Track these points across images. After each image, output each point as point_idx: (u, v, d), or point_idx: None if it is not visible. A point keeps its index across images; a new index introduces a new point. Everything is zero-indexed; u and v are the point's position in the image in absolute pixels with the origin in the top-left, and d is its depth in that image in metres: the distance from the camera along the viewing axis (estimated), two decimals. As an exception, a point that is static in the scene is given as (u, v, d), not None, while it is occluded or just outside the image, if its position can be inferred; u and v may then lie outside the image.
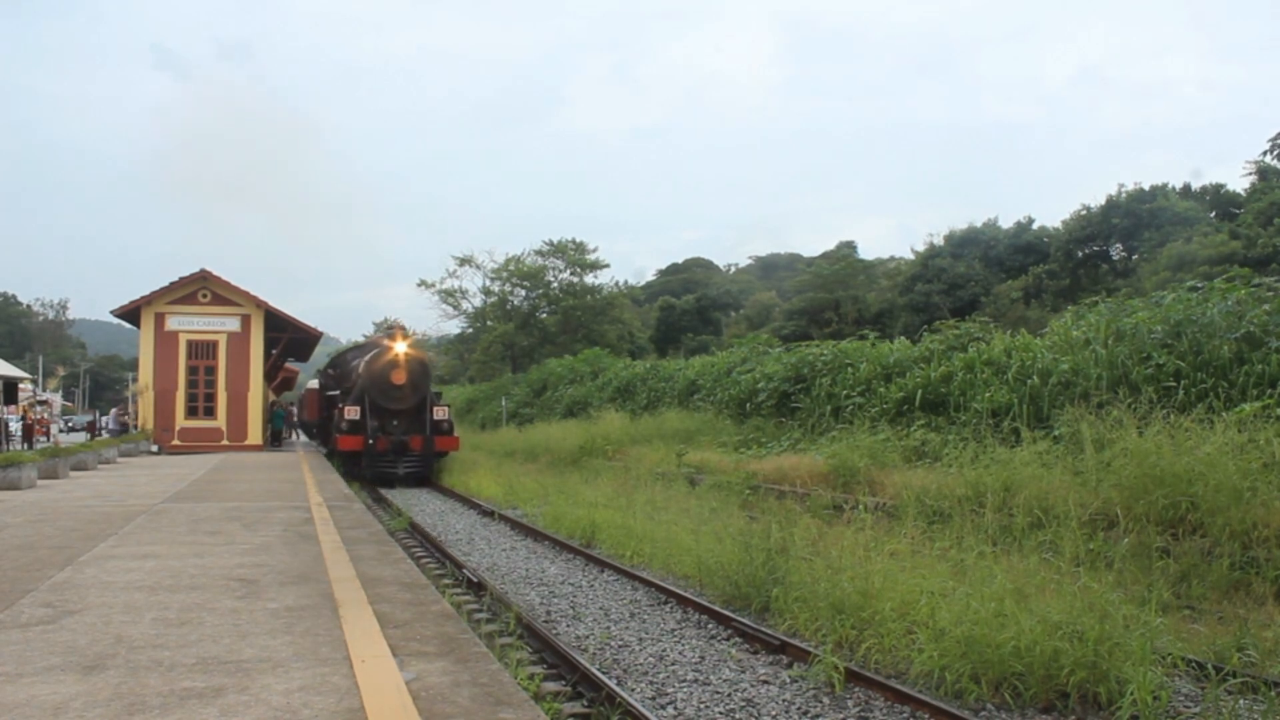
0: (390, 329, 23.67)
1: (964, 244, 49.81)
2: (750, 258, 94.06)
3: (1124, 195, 45.37)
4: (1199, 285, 14.83)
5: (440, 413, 23.06)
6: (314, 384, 55.67)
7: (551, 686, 6.01)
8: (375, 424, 22.21)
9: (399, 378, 22.25)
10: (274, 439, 34.50)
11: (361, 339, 42.96)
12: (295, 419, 45.41)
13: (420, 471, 22.51)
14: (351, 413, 22.30)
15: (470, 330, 56.30)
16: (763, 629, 7.18)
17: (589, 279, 54.00)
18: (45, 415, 44.10)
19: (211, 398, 28.53)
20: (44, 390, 61.69)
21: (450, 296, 54.56)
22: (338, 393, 26.77)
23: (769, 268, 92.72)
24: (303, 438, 44.90)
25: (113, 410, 33.25)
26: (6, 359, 44.93)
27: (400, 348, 22.43)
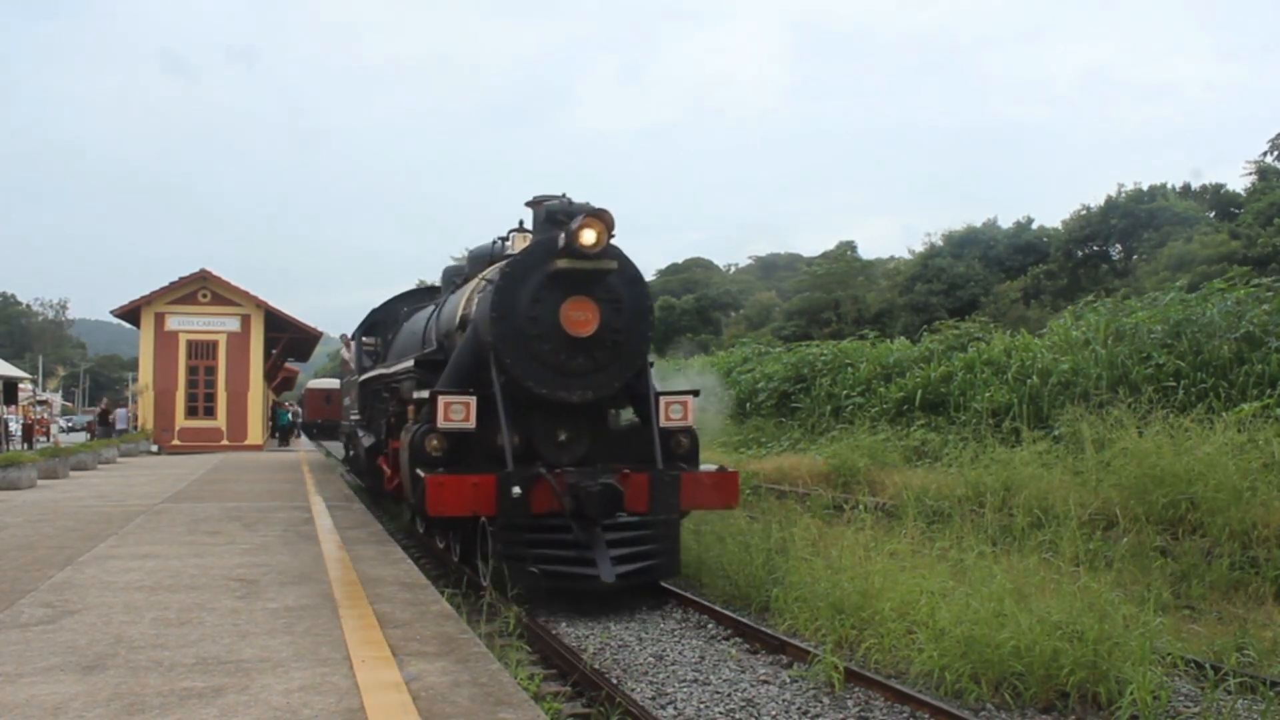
0: (549, 205, 9.10)
1: (963, 244, 49.81)
2: (750, 258, 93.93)
3: (1123, 195, 45.41)
4: (1195, 288, 14.87)
5: (676, 411, 9.18)
6: (315, 384, 55.65)
7: (551, 687, 6.01)
8: (517, 439, 8.64)
9: (582, 318, 8.56)
10: (283, 438, 34.55)
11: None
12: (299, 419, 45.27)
13: (659, 562, 8.40)
14: (451, 411, 8.52)
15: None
16: (763, 629, 7.18)
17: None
18: (45, 415, 44.11)
19: (211, 398, 28.53)
20: (44, 390, 61.69)
21: (450, 296, 54.36)
22: (392, 371, 12.05)
23: (769, 268, 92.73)
24: (306, 441, 44.91)
25: (119, 410, 33.22)
26: (6, 359, 44.93)
27: (588, 238, 8.25)
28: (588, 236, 8.20)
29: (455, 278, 11.54)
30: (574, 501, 7.94)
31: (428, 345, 11.01)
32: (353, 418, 16.93)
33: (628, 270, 8.87)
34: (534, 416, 8.78)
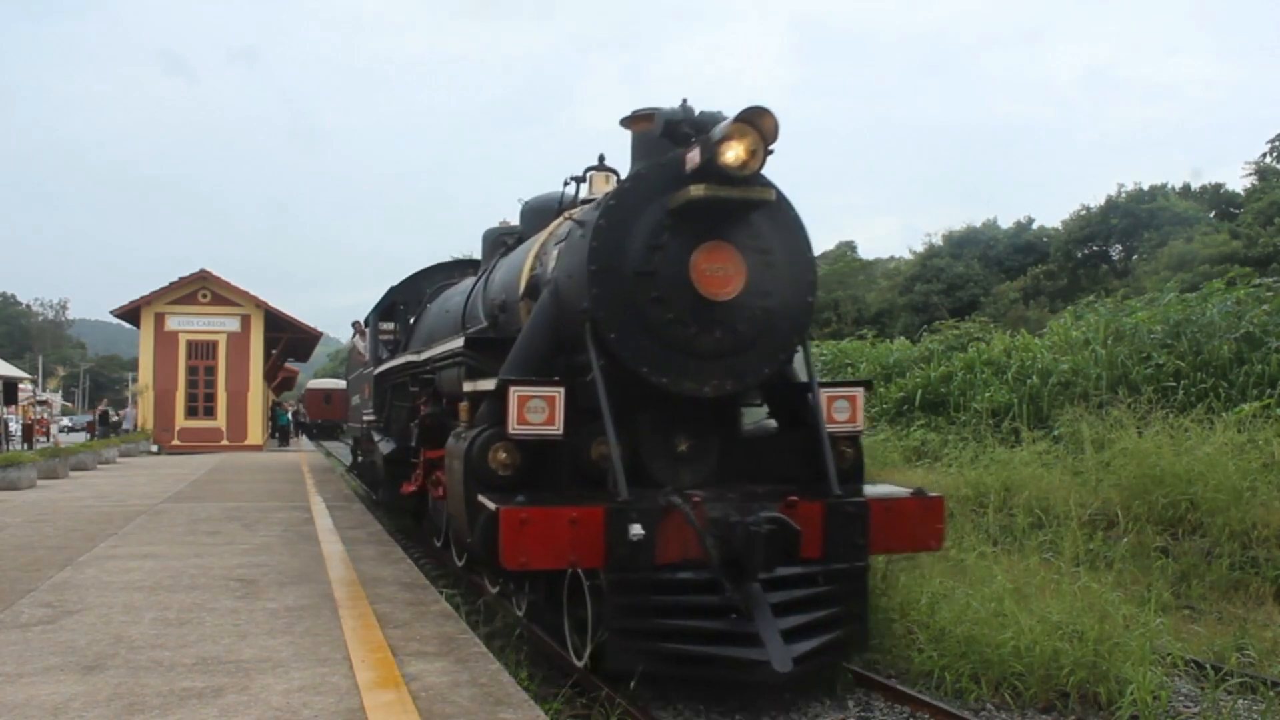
0: (668, 113, 6.14)
1: (963, 244, 49.84)
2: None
3: (1123, 195, 45.43)
4: (1195, 288, 14.93)
5: (841, 409, 6.48)
6: (315, 384, 55.59)
7: (551, 688, 6.02)
8: (623, 444, 5.69)
9: (722, 274, 5.77)
10: (282, 438, 34.61)
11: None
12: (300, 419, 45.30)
13: (846, 633, 5.61)
14: (529, 410, 5.68)
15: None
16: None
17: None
18: (45, 415, 44.11)
19: (211, 398, 28.54)
20: (44, 390, 61.72)
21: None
22: (425, 358, 8.92)
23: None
24: (307, 442, 44.97)
25: (125, 410, 33.26)
26: (6, 359, 44.96)
27: (735, 153, 5.46)
28: (734, 152, 5.44)
29: (506, 237, 8.90)
30: (723, 545, 5.19)
31: (473, 323, 8.35)
32: (365, 418, 13.67)
33: (782, 207, 6.08)
34: (641, 417, 6.04)
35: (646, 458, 6.04)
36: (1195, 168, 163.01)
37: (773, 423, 6.74)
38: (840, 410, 6.42)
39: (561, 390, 5.71)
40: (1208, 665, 5.85)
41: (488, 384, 6.13)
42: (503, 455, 5.82)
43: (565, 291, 6.15)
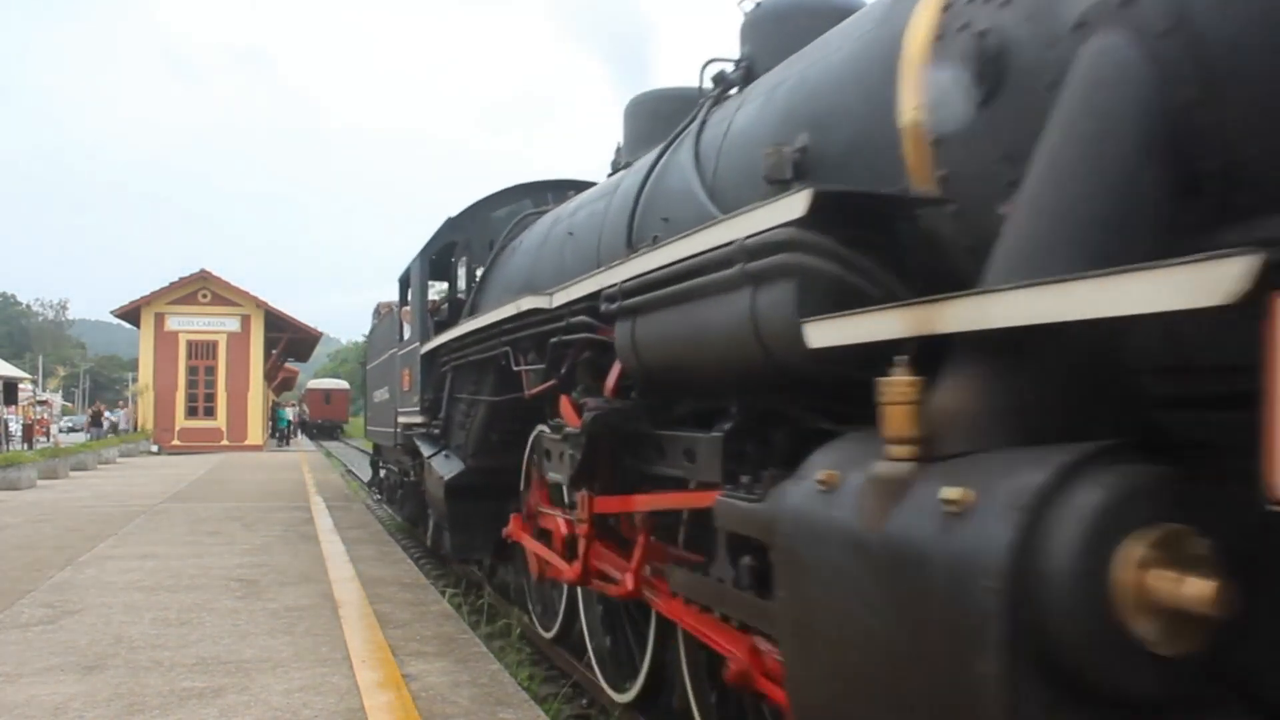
0: None
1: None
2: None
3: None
4: None
5: None
6: (315, 384, 55.62)
7: (551, 688, 6.01)
8: None
9: None
10: (282, 439, 34.69)
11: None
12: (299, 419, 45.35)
13: None
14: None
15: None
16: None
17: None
18: (45, 415, 44.11)
19: (211, 398, 28.56)
20: (44, 390, 61.71)
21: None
22: (569, 300, 4.34)
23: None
24: (307, 442, 44.99)
25: (119, 411, 33.37)
26: (6, 359, 44.99)
27: None
28: None
29: (719, 68, 4.38)
30: None
31: (648, 238, 4.10)
32: (403, 419, 9.35)
33: None
34: None
35: None
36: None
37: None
38: None
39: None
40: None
41: (1071, 296, 1.52)
42: (1198, 578, 1.37)
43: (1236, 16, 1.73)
